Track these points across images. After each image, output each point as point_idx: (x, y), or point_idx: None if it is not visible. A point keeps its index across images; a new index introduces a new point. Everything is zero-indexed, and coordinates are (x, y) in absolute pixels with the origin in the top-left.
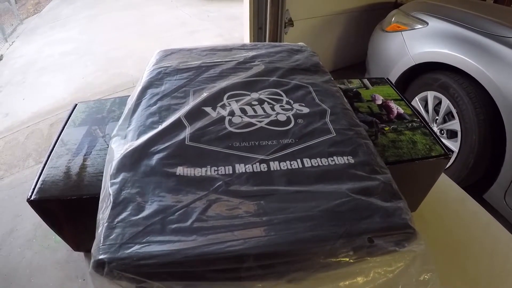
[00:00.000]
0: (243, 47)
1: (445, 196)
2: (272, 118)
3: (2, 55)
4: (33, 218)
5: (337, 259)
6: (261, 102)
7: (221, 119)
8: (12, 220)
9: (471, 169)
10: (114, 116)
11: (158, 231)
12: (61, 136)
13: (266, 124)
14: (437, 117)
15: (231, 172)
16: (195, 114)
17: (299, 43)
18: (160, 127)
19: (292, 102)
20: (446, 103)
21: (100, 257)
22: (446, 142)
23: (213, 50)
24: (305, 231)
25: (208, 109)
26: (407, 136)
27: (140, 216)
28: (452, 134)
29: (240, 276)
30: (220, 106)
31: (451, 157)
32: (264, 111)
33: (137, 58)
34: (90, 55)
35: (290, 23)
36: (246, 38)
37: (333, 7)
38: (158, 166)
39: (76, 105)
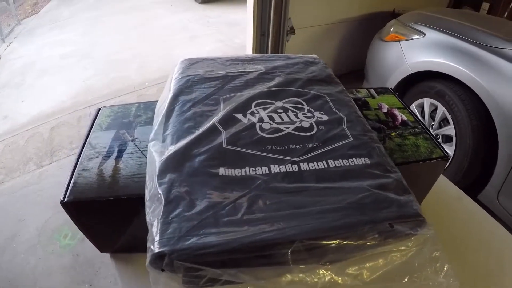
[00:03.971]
0: (262, 58)
1: (444, 195)
2: (297, 124)
3: None
4: (36, 223)
5: (365, 242)
6: (285, 110)
7: (253, 125)
8: (15, 225)
9: (466, 172)
10: (141, 120)
11: (212, 224)
12: (88, 139)
13: (292, 130)
14: (433, 123)
15: (267, 172)
16: (228, 120)
17: (312, 55)
18: (197, 132)
19: (313, 110)
20: (441, 109)
21: (161, 249)
22: None
23: (235, 60)
24: (339, 219)
25: (239, 116)
26: (411, 141)
27: (193, 211)
28: (447, 139)
29: (285, 260)
30: (250, 113)
31: (449, 158)
32: (289, 118)
33: (139, 62)
34: (91, 58)
35: (292, 31)
36: (248, 44)
37: (333, 16)
38: (201, 167)
39: (99, 109)
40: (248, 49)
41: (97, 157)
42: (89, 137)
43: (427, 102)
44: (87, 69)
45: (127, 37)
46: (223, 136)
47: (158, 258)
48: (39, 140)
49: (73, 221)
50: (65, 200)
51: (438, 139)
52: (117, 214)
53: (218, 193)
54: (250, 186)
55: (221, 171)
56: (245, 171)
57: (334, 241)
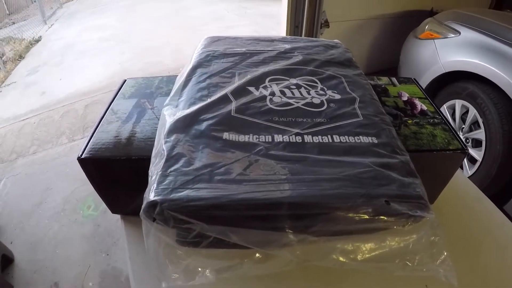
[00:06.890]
0: (283, 40)
1: (462, 193)
2: (307, 100)
3: (40, 37)
4: (63, 192)
5: (357, 215)
6: (298, 86)
7: (263, 97)
8: (42, 192)
9: (493, 179)
10: (162, 92)
11: (206, 181)
12: (111, 106)
13: (302, 105)
14: (463, 126)
15: (270, 140)
16: (240, 91)
17: (335, 40)
18: (209, 100)
19: (326, 89)
20: (473, 112)
21: (154, 198)
22: (470, 151)
23: (257, 39)
24: (332, 189)
25: (251, 89)
26: (428, 130)
27: (190, 168)
28: (476, 143)
29: (273, 226)
30: (262, 87)
31: (468, 152)
32: (301, 94)
33: (172, 49)
34: (127, 42)
35: (326, 24)
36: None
37: (369, 11)
38: (207, 130)
39: (125, 80)
40: None
41: (117, 121)
42: (112, 103)
43: (458, 103)
44: (123, 53)
45: (163, 25)
46: (233, 105)
47: (151, 207)
48: (74, 116)
49: (88, 179)
50: (82, 157)
51: (468, 143)
52: (129, 175)
53: (218, 154)
54: (250, 151)
55: (225, 135)
56: (249, 138)
57: (324, 210)
